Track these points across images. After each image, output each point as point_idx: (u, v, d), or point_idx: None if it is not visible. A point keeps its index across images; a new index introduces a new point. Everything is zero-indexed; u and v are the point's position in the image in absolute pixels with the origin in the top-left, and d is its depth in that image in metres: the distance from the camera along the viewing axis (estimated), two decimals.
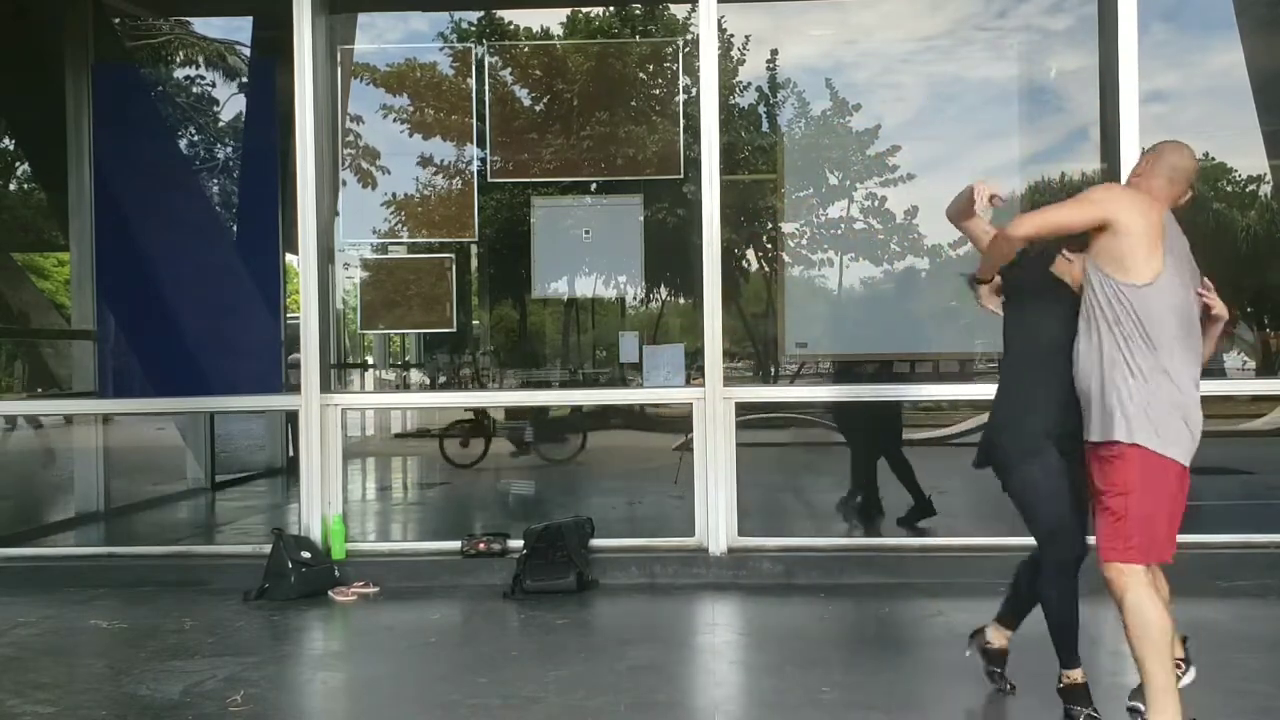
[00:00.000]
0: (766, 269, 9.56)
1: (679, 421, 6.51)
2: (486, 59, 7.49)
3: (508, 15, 8.33)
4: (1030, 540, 3.41)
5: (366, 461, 10.46)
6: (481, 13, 8.31)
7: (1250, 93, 7.46)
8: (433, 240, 7.33)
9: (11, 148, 10.71)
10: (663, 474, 7.49)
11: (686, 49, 7.29)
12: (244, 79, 8.59)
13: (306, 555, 5.35)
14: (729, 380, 5.69)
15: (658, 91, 7.91)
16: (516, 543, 5.52)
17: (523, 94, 7.71)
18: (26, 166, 10.95)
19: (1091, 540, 3.27)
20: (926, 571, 5.41)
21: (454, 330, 7.95)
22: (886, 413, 6.53)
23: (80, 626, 4.77)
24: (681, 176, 6.67)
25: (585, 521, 5.62)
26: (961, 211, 3.55)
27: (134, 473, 8.78)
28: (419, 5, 7.80)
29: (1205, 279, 3.29)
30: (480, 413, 9.46)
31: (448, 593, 5.29)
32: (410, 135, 7.19)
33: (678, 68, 7.61)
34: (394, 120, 7.20)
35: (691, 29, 7.51)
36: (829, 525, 6.60)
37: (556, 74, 7.81)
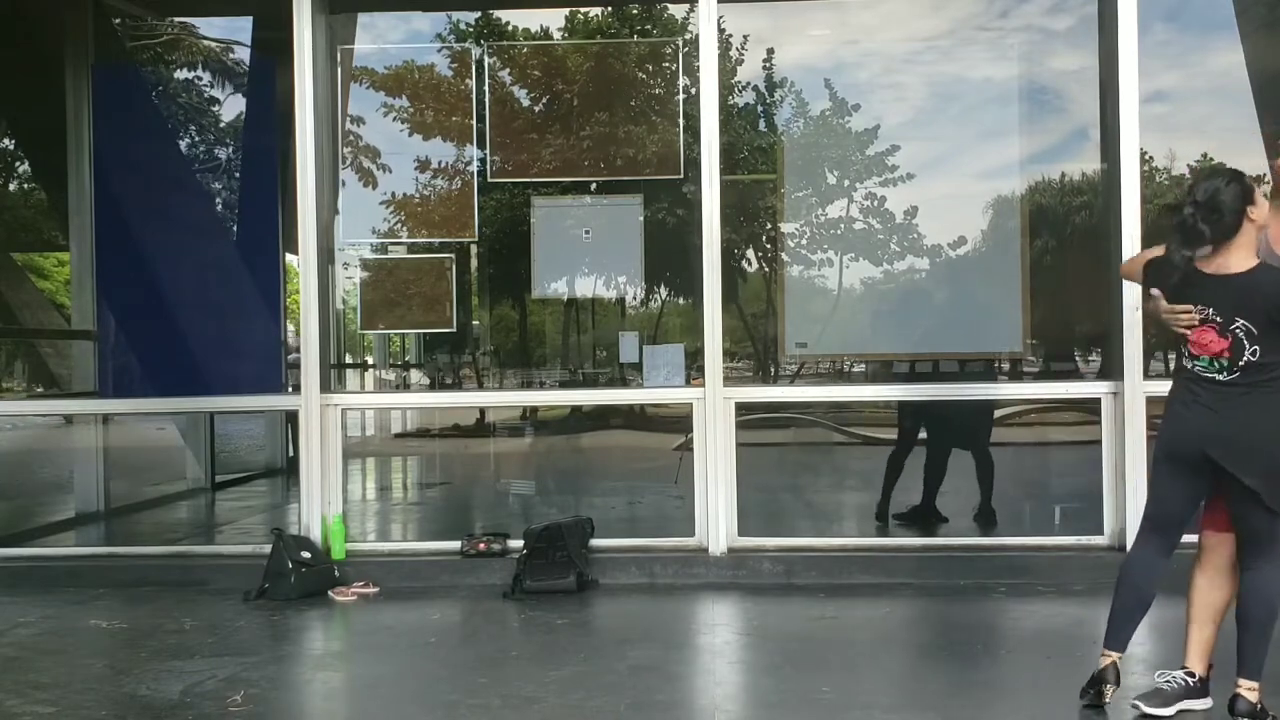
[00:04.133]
0: (766, 269, 9.55)
1: (679, 421, 6.51)
2: (486, 59, 7.48)
3: (507, 16, 8.32)
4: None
5: (366, 461, 10.45)
6: (481, 13, 8.30)
7: (1250, 93, 7.46)
8: (433, 240, 7.33)
9: (12, 148, 10.72)
10: (663, 474, 7.48)
11: (686, 49, 7.29)
12: (244, 79, 8.57)
13: (306, 555, 5.35)
14: (729, 380, 5.69)
15: (657, 91, 7.91)
16: (516, 543, 5.52)
17: (522, 94, 7.70)
18: (26, 166, 10.96)
19: None
20: (926, 571, 5.41)
21: (454, 330, 7.95)
22: (979, 410, 6.51)
23: (80, 626, 4.77)
24: (681, 176, 6.66)
25: (585, 521, 5.61)
26: None
27: (134, 473, 8.78)
28: (419, 5, 7.79)
29: None
30: None
31: (448, 593, 5.29)
32: (410, 135, 7.18)
33: (677, 68, 7.61)
34: (394, 120, 7.19)
35: (691, 29, 7.51)
36: (829, 525, 6.60)
37: (556, 74, 7.80)
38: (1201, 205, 3.10)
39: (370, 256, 7.47)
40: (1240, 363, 3.10)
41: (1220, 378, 3.13)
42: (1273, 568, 3.20)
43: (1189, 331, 3.18)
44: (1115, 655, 3.32)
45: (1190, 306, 3.16)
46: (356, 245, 7.31)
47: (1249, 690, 3.19)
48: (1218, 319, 3.12)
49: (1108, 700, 3.32)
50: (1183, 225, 3.13)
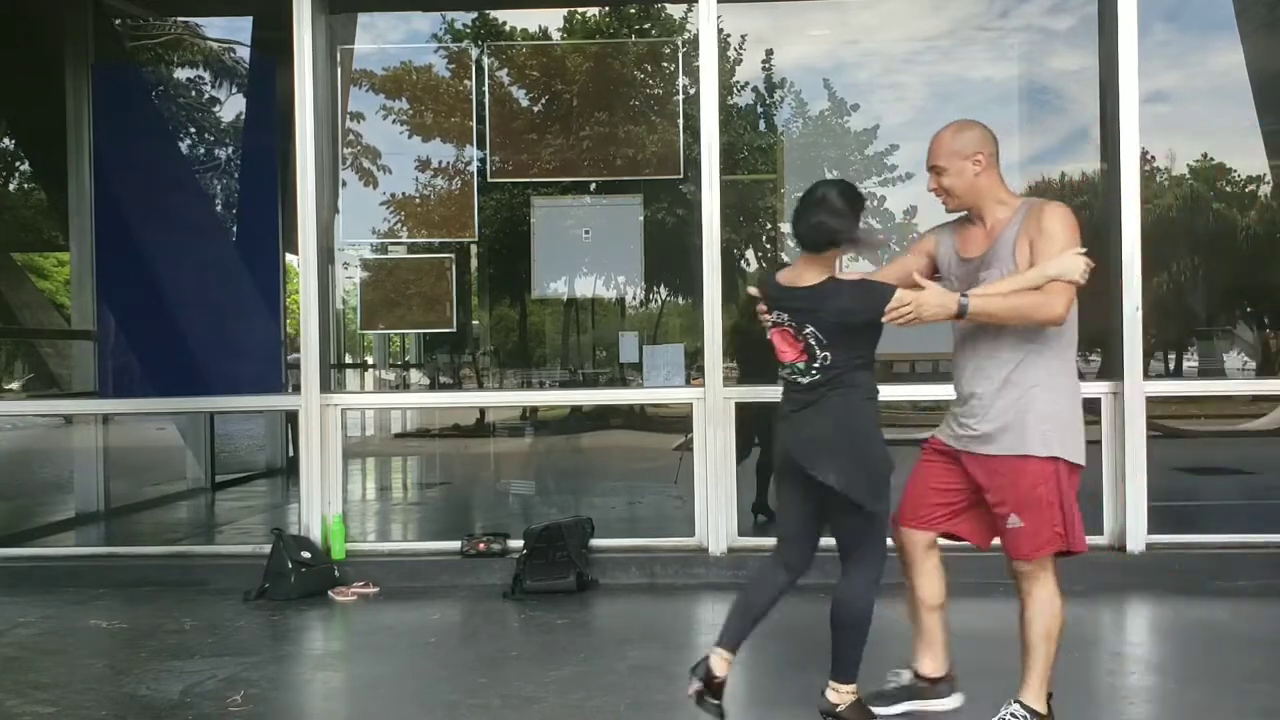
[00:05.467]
0: (766, 269, 9.56)
1: (679, 421, 6.51)
2: (486, 59, 7.49)
3: (507, 16, 8.33)
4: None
5: (366, 461, 10.46)
6: (481, 14, 8.31)
7: (1250, 93, 7.47)
8: (433, 240, 7.33)
9: (12, 148, 10.72)
10: (663, 474, 7.48)
11: (685, 49, 7.30)
12: (244, 79, 8.59)
13: (306, 555, 5.34)
14: (729, 380, 5.69)
15: (657, 91, 7.92)
16: (516, 543, 5.52)
17: (522, 94, 7.71)
18: (26, 166, 10.96)
19: None
20: None
21: (454, 330, 7.96)
22: None
23: (80, 626, 4.77)
24: (681, 176, 6.67)
25: (585, 521, 5.61)
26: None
27: (134, 473, 8.78)
28: (419, 5, 7.80)
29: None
30: None
31: (448, 593, 5.29)
32: (410, 136, 7.20)
33: (677, 68, 7.61)
34: (394, 121, 7.21)
35: (690, 29, 7.51)
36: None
37: (555, 74, 7.82)
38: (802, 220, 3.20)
39: (370, 256, 7.48)
40: (815, 365, 3.16)
41: (803, 380, 3.19)
42: (862, 572, 3.22)
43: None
44: (719, 652, 3.25)
45: (767, 311, 3.27)
46: (356, 245, 7.33)
47: (833, 690, 3.28)
48: (791, 325, 3.19)
49: (688, 693, 3.26)
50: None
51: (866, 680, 3.48)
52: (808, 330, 3.14)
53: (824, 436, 3.14)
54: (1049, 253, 3.03)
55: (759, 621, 3.29)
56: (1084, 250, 3.05)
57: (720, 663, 3.23)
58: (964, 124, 3.25)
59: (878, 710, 3.36)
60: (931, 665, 3.39)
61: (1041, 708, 3.15)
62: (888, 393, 6.38)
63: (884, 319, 3.05)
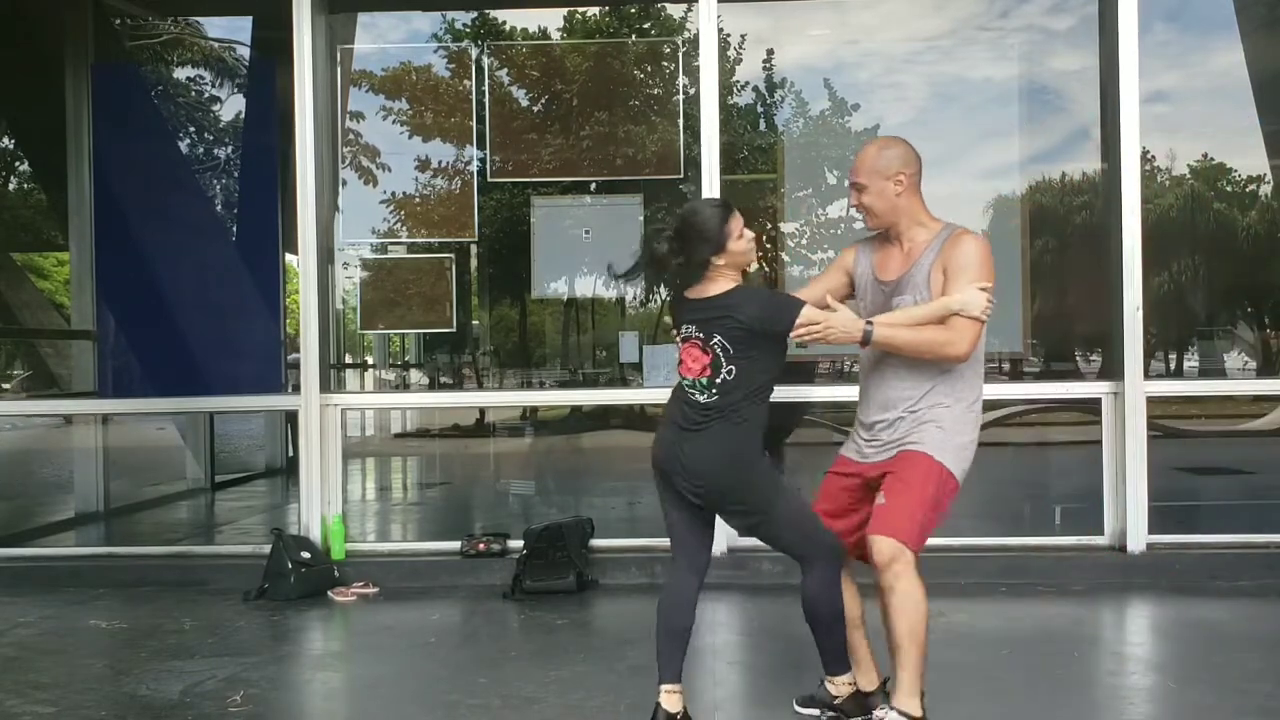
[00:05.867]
0: (766, 269, 9.56)
1: None
2: (486, 59, 7.49)
3: (507, 16, 8.33)
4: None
5: (366, 461, 10.46)
6: (481, 13, 8.31)
7: (1250, 93, 7.47)
8: (433, 240, 7.33)
9: (12, 148, 10.72)
10: None
11: (685, 49, 7.29)
12: (244, 79, 8.60)
13: (306, 555, 5.34)
14: None
15: (657, 91, 7.91)
16: (516, 543, 5.52)
17: (522, 94, 7.71)
18: (26, 166, 10.97)
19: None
20: (926, 571, 5.39)
21: (454, 330, 7.95)
22: None
23: (80, 626, 4.77)
24: (681, 176, 6.66)
25: (585, 521, 5.61)
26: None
27: (134, 473, 8.78)
28: (419, 5, 7.80)
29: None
30: None
31: (448, 593, 5.29)
32: (410, 136, 7.19)
33: (677, 67, 7.61)
34: (394, 121, 7.20)
35: (690, 28, 7.51)
36: None
37: (555, 74, 7.81)
38: (672, 237, 3.14)
39: (370, 256, 7.47)
40: (718, 381, 3.09)
41: (701, 398, 3.12)
42: (814, 566, 3.23)
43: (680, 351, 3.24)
44: (671, 687, 3.16)
45: (676, 330, 3.24)
46: (356, 245, 7.31)
47: (830, 684, 3.34)
48: (699, 336, 3.15)
49: None
50: (654, 255, 3.16)
51: (808, 683, 3.51)
52: (715, 340, 3.10)
53: (711, 470, 3.11)
54: (959, 285, 3.04)
55: (689, 640, 3.25)
56: (987, 286, 3.06)
57: (673, 699, 3.16)
58: (889, 142, 3.25)
59: (801, 708, 3.42)
60: (864, 680, 3.38)
61: (916, 710, 3.08)
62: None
63: (792, 333, 3.05)
